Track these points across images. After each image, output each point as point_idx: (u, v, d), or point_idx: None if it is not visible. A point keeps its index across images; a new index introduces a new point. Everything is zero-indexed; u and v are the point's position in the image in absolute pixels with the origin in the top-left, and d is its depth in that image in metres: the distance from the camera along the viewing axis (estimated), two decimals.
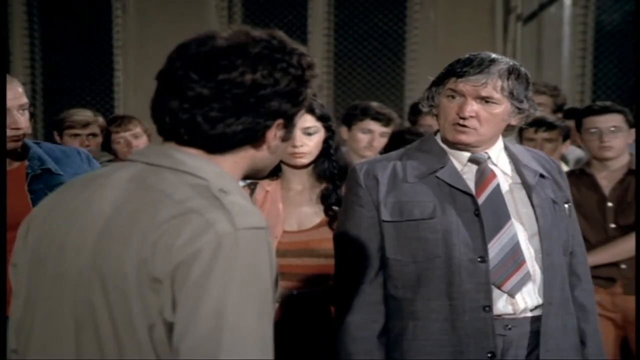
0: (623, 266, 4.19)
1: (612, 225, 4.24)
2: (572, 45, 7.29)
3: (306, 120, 3.15)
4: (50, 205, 1.75)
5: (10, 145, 3.01)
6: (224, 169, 1.68)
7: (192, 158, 1.66)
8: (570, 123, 5.02)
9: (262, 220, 1.61)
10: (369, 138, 4.69)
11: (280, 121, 1.69)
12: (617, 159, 4.34)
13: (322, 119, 3.18)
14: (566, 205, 2.74)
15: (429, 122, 5.09)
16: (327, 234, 3.12)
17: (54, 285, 1.67)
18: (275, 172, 3.24)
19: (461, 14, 7.28)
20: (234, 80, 1.63)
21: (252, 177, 1.78)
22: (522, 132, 4.74)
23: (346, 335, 2.70)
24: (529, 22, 7.31)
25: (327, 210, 3.17)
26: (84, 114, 4.84)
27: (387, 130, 4.78)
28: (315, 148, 3.18)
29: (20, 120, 3.02)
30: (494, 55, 2.66)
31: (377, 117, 4.75)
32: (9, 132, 3.00)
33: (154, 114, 1.70)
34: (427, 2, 7.41)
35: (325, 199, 3.18)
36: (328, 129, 3.20)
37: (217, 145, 1.66)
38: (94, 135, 4.79)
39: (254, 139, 1.68)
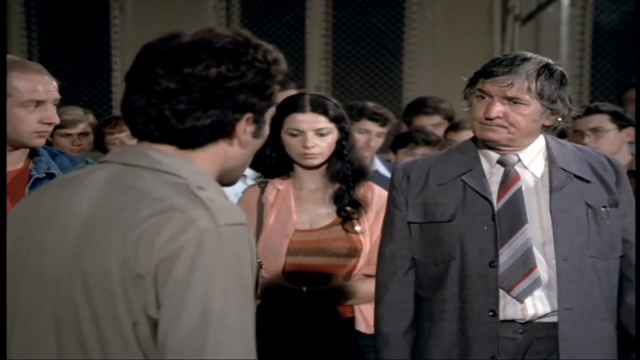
0: None
1: None
2: (570, 45, 7.29)
3: (319, 122, 3.16)
4: (28, 207, 1.76)
5: (37, 141, 2.86)
6: (200, 167, 1.68)
7: (169, 157, 1.67)
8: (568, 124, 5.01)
9: (242, 216, 1.62)
10: (365, 138, 4.69)
11: (249, 115, 1.69)
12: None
13: (336, 120, 3.18)
14: (603, 209, 2.67)
15: (423, 122, 5.09)
16: (340, 234, 3.14)
17: (35, 285, 1.67)
18: (286, 172, 3.25)
19: (459, 15, 7.27)
20: (199, 73, 1.64)
21: (226, 180, 1.77)
22: None
23: (376, 330, 2.78)
24: (527, 23, 7.31)
25: (339, 211, 3.17)
26: (74, 113, 4.72)
27: (384, 130, 4.79)
28: (327, 149, 3.18)
29: (56, 115, 2.86)
30: (528, 55, 2.64)
31: (374, 117, 4.75)
32: (41, 127, 2.83)
33: (125, 115, 1.71)
34: (425, 3, 7.41)
35: (337, 200, 3.18)
36: (342, 130, 3.20)
37: (187, 140, 1.67)
38: (85, 134, 4.72)
39: (224, 133, 1.68)
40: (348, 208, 3.15)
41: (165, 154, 1.67)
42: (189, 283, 1.52)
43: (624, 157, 4.36)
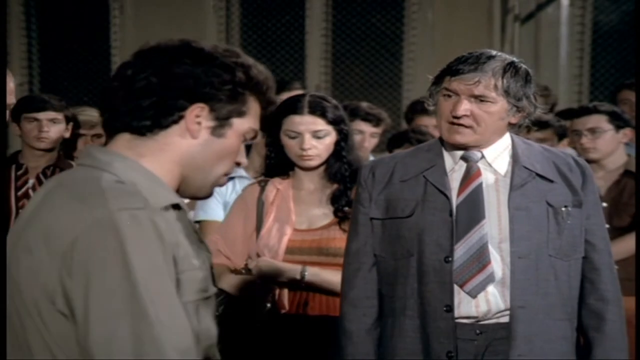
0: (615, 267, 4.18)
1: (606, 226, 4.21)
2: (569, 45, 7.29)
3: (316, 124, 3.17)
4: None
5: None
6: (145, 158, 1.69)
7: (108, 155, 1.69)
8: (568, 123, 5.02)
9: (141, 201, 1.60)
10: (359, 139, 4.70)
11: (201, 105, 1.69)
12: (609, 159, 4.35)
13: (334, 122, 3.19)
14: (564, 209, 2.65)
15: (425, 122, 5.10)
16: (338, 234, 3.15)
17: (9, 290, 1.70)
18: (286, 172, 3.27)
19: (459, 15, 7.28)
20: (156, 57, 1.69)
21: (192, 187, 1.76)
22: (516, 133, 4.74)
23: (339, 326, 2.76)
24: (526, 23, 7.31)
25: (337, 212, 3.18)
26: (90, 114, 4.77)
27: (377, 130, 4.80)
28: (325, 151, 3.19)
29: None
30: (492, 53, 2.64)
31: (367, 118, 4.77)
32: None
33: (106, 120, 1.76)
34: (425, 3, 7.41)
35: (335, 201, 3.19)
36: (340, 131, 3.20)
37: (133, 121, 1.68)
38: (98, 136, 4.75)
39: (169, 117, 1.68)
40: (346, 208, 3.16)
41: (106, 152, 1.70)
42: (85, 278, 1.52)
43: (620, 158, 4.37)
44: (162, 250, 1.57)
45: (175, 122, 1.68)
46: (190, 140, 1.70)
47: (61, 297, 1.55)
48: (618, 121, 4.35)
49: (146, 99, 1.67)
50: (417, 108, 5.33)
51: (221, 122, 1.71)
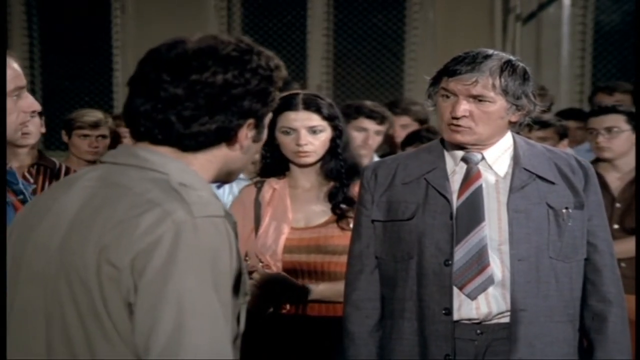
0: (622, 264, 4.17)
1: (616, 226, 4.18)
2: (571, 45, 7.30)
3: (312, 120, 3.17)
4: (28, 208, 1.82)
5: (19, 135, 2.40)
6: (194, 167, 1.72)
7: (158, 155, 1.70)
8: (569, 123, 5.02)
9: (220, 209, 1.65)
10: (363, 136, 4.70)
11: (251, 121, 1.73)
12: (623, 160, 4.32)
13: (329, 118, 3.19)
14: (564, 210, 2.63)
15: (402, 122, 5.17)
16: (335, 232, 3.15)
17: (27, 285, 1.71)
18: (282, 171, 3.27)
19: (460, 14, 7.28)
20: (206, 80, 1.68)
21: (223, 180, 1.82)
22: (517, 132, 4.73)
23: (343, 329, 2.75)
24: (528, 22, 7.32)
25: (334, 209, 3.18)
26: (94, 115, 4.79)
27: (382, 128, 4.80)
28: (321, 147, 3.19)
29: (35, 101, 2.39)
30: (489, 52, 2.63)
31: (371, 116, 4.77)
32: (25, 117, 2.38)
33: (128, 118, 1.74)
34: (427, 3, 7.42)
35: (332, 198, 3.19)
36: (335, 128, 3.21)
37: (190, 144, 1.71)
38: (103, 136, 4.76)
39: (227, 137, 1.72)
40: (343, 205, 3.16)
41: (156, 153, 1.70)
42: (166, 273, 1.55)
43: (634, 159, 4.32)
44: (230, 260, 1.62)
45: (228, 139, 1.72)
46: (238, 152, 1.75)
47: (132, 292, 1.58)
48: (636, 122, 4.31)
49: (210, 123, 1.68)
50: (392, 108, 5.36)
51: (260, 129, 1.77)
